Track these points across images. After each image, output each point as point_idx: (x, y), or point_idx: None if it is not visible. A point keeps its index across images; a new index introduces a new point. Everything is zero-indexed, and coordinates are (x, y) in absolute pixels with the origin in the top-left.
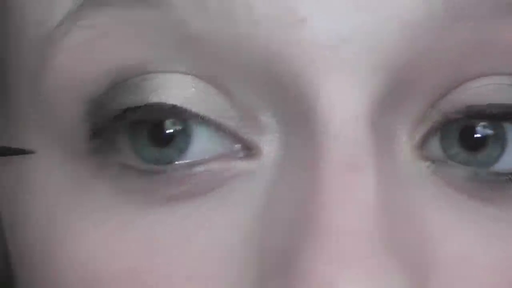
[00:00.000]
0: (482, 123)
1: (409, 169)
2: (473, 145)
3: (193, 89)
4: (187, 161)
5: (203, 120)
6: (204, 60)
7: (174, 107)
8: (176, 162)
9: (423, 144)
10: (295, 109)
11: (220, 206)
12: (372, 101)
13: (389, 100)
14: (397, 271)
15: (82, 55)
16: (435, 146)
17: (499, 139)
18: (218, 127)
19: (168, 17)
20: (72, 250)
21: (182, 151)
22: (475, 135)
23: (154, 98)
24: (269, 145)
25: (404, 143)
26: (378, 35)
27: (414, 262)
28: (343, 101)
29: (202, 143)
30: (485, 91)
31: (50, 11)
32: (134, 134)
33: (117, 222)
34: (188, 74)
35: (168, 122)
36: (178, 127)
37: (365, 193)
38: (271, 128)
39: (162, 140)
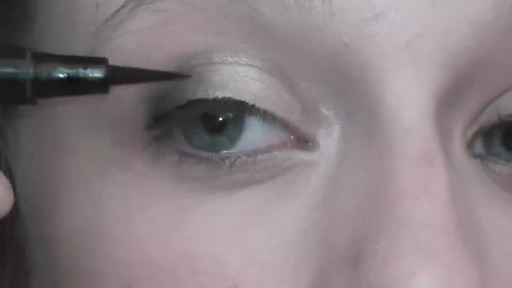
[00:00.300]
0: None
1: (464, 166)
2: None
3: (258, 83)
4: (246, 148)
5: (267, 114)
6: (272, 50)
7: (241, 102)
8: (233, 150)
9: (475, 141)
10: (359, 102)
11: (280, 195)
12: (439, 97)
13: (452, 97)
14: (472, 264)
15: (147, 39)
16: (479, 144)
17: None
18: (275, 118)
19: (239, 5)
20: (127, 234)
21: (233, 139)
22: None
23: (220, 93)
24: (327, 137)
25: (458, 140)
26: (448, 33)
27: (481, 256)
28: (412, 96)
29: (254, 132)
30: None
31: None
32: (189, 122)
33: (174, 208)
34: (254, 66)
35: (219, 113)
36: (231, 114)
37: (438, 187)
38: (330, 120)
39: (215, 128)
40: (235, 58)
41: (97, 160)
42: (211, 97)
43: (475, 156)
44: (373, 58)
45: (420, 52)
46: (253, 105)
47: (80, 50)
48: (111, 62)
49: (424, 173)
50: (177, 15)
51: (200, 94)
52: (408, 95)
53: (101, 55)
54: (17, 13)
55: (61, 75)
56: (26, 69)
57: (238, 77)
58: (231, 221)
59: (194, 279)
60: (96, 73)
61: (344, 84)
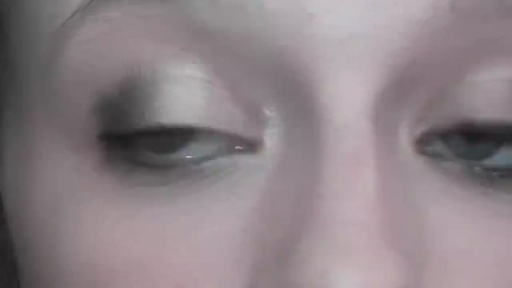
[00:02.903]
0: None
1: (410, 163)
2: (472, 138)
3: (202, 100)
4: (193, 156)
5: (211, 130)
6: (213, 56)
7: (186, 126)
8: (183, 157)
9: (425, 138)
10: (299, 103)
11: (222, 199)
12: (376, 96)
13: (393, 96)
14: (394, 264)
15: (94, 49)
16: (438, 139)
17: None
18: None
19: (177, 12)
20: (77, 239)
21: (188, 146)
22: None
23: (164, 119)
24: (272, 139)
25: (406, 138)
26: (385, 33)
27: (412, 256)
28: (348, 96)
29: (207, 138)
30: (481, 102)
31: (63, 4)
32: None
33: (123, 214)
34: (197, 79)
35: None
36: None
37: (365, 186)
38: (274, 122)
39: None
40: (178, 70)
41: (55, 166)
42: (155, 124)
43: (427, 152)
44: (309, 60)
45: (355, 52)
46: (197, 126)
47: (40, 61)
48: (64, 73)
49: (351, 172)
50: (121, 25)
51: (144, 123)
52: (345, 95)
53: (53, 68)
54: None
55: None
56: None
57: (183, 99)
58: (177, 225)
59: (142, 282)
60: None
61: (284, 87)
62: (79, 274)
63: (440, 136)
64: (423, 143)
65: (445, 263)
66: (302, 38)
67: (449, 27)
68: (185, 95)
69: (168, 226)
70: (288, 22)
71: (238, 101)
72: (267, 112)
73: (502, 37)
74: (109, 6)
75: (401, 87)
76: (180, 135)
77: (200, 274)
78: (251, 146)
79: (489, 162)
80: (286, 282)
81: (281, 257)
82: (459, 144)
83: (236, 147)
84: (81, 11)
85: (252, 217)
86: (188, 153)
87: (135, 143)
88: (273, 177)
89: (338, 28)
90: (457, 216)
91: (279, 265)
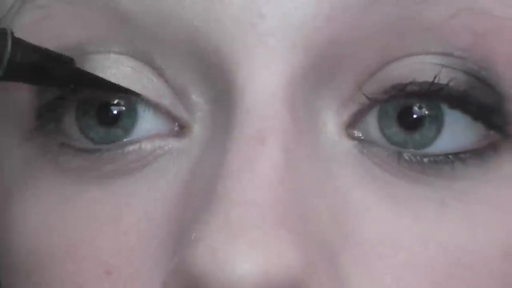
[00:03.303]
0: (418, 104)
1: (333, 147)
2: (410, 126)
3: (129, 68)
4: (119, 140)
5: (142, 100)
6: (135, 38)
7: (115, 85)
8: (110, 141)
9: (354, 123)
10: (219, 86)
11: (149, 183)
12: (291, 77)
13: (313, 77)
14: (287, 242)
15: (30, 36)
16: (372, 125)
17: (436, 121)
18: (156, 107)
19: None
20: (19, 227)
21: (127, 130)
22: (412, 116)
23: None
24: (198, 123)
25: (330, 121)
26: (296, 12)
27: (319, 238)
28: (260, 77)
29: (145, 123)
30: (410, 70)
31: None
32: (82, 116)
33: (56, 199)
34: (123, 54)
35: (113, 104)
36: (123, 108)
37: (264, 166)
38: (200, 106)
39: (109, 121)
40: (105, 48)
41: (8, 154)
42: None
43: (355, 137)
44: (223, 41)
45: (266, 33)
46: (127, 88)
47: None
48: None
49: (252, 152)
50: (52, 11)
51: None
52: (257, 76)
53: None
54: None
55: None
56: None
57: (110, 63)
58: (106, 210)
59: (75, 265)
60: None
61: (205, 70)
62: (24, 261)
63: (378, 121)
64: (352, 128)
65: (367, 248)
66: (214, 20)
67: (364, 5)
68: (114, 63)
69: (97, 210)
70: (201, 4)
71: (168, 82)
72: (194, 97)
73: (421, 15)
74: None
75: (321, 68)
76: (115, 115)
77: (126, 257)
78: (180, 129)
79: (428, 149)
80: (182, 260)
81: (183, 238)
82: (398, 131)
83: (168, 130)
84: (19, 0)
85: (176, 202)
86: (126, 136)
87: (71, 122)
88: (198, 161)
89: (248, 9)
90: (381, 201)
91: (180, 246)
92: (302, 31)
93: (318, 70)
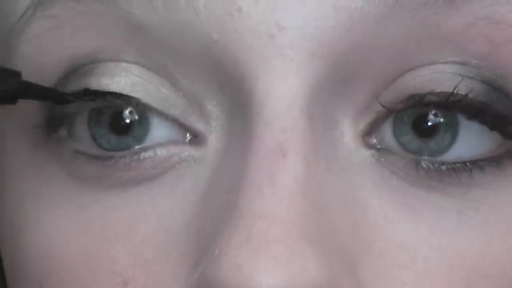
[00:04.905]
0: (434, 111)
1: (351, 157)
2: (425, 133)
3: (138, 78)
4: (136, 147)
5: (146, 108)
6: (150, 49)
7: (119, 95)
8: (125, 147)
9: (371, 132)
10: (236, 97)
11: (166, 192)
12: (310, 88)
13: (330, 88)
14: (311, 256)
15: (42, 45)
16: (387, 132)
17: (450, 128)
18: (166, 116)
19: (114, 8)
20: (33, 234)
21: (139, 139)
22: (427, 124)
23: (105, 81)
24: (214, 133)
25: (347, 131)
26: (314, 23)
27: (341, 250)
28: (279, 88)
29: (157, 131)
30: (427, 80)
31: (16, 3)
32: (95, 124)
33: (70, 207)
34: (135, 63)
35: (126, 112)
36: (135, 117)
37: (285, 179)
38: (216, 116)
39: (121, 129)
40: (117, 57)
41: (20, 161)
42: (95, 86)
43: (372, 146)
44: (241, 53)
45: (285, 45)
46: (133, 97)
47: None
48: (19, 67)
49: (274, 165)
50: (64, 20)
51: (83, 86)
52: (275, 87)
53: (10, 63)
54: None
55: None
56: None
57: (121, 71)
58: (121, 219)
59: (90, 275)
60: (8, 85)
61: (222, 80)
62: (37, 267)
63: (393, 129)
64: (369, 137)
65: (386, 257)
66: (231, 31)
67: (382, 14)
68: (124, 72)
69: (113, 220)
70: (218, 16)
71: (179, 93)
72: (209, 107)
73: (438, 25)
74: (54, 3)
75: (339, 78)
76: (128, 124)
77: (143, 269)
78: (194, 138)
79: (443, 157)
80: (206, 276)
81: (206, 251)
82: (413, 138)
83: (180, 139)
84: (31, 9)
85: (194, 212)
86: (138, 144)
87: (84, 129)
88: (214, 172)
89: (266, 21)
90: (400, 210)
91: (203, 259)
92: (321, 42)
93: (336, 80)
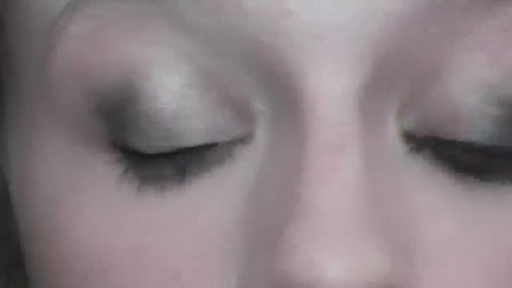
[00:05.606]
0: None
1: (398, 150)
2: None
3: (188, 81)
4: (185, 145)
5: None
6: (198, 53)
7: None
8: (175, 146)
9: (415, 127)
10: (286, 96)
11: (215, 188)
12: (359, 85)
13: (377, 86)
14: (379, 248)
15: (85, 46)
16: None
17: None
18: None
19: (164, 10)
20: (80, 228)
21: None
22: None
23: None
24: (263, 130)
25: (393, 126)
26: (363, 25)
27: (399, 241)
28: (329, 87)
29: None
30: (463, 78)
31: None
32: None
33: (120, 203)
34: (185, 71)
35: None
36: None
37: (348, 173)
38: (263, 114)
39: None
40: (165, 63)
41: (54, 157)
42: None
43: (413, 141)
44: (290, 53)
45: (335, 45)
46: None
47: (37, 54)
48: (58, 66)
49: (335, 159)
50: (109, 21)
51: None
52: (325, 86)
53: (50, 60)
54: None
55: None
56: None
57: (171, 89)
58: (172, 215)
59: (140, 269)
60: None
61: (270, 81)
62: (77, 262)
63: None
64: (409, 131)
65: (434, 251)
66: (282, 33)
67: (427, 18)
68: (174, 90)
69: (163, 216)
70: (267, 19)
71: (221, 92)
72: (257, 105)
73: (477, 27)
74: (98, 2)
75: (385, 77)
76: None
77: (195, 263)
78: (243, 136)
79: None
80: (275, 270)
81: (269, 246)
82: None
83: (228, 137)
84: (71, 6)
85: (245, 208)
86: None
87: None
88: (264, 167)
89: (316, 22)
90: (444, 204)
91: (268, 254)
92: (370, 41)
93: (382, 79)
